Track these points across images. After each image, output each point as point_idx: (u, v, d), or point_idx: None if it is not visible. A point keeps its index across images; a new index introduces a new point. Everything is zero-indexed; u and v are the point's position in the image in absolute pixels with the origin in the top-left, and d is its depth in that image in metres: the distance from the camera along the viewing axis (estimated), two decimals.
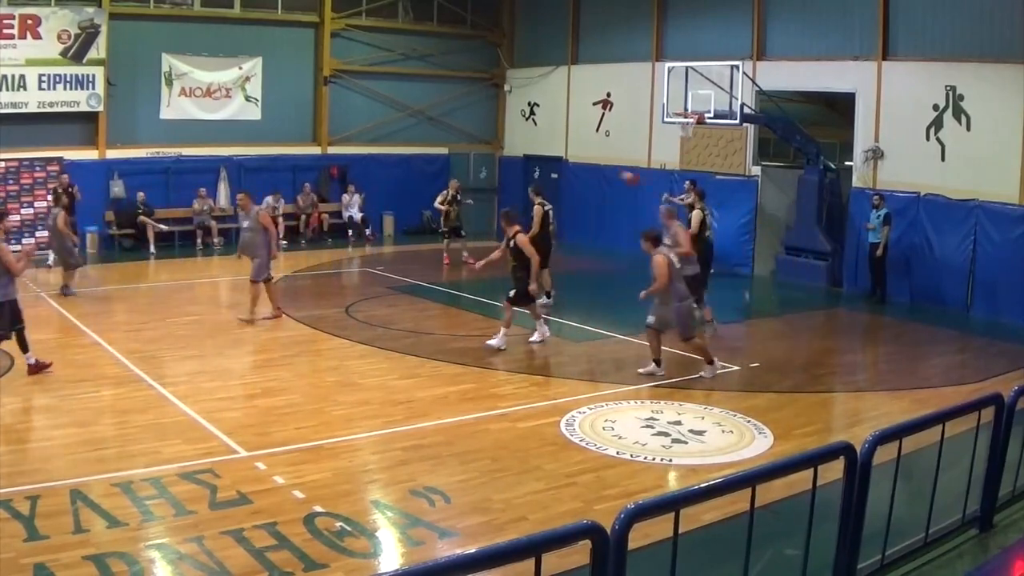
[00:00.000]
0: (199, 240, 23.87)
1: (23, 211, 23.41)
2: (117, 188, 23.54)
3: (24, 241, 23.14)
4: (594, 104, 25.78)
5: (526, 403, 10.51)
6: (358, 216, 25.63)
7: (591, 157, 24.97)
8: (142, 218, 23.22)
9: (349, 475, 8.14)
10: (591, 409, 10.31)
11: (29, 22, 22.89)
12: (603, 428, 9.68)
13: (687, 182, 19.06)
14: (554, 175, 26.00)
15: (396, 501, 7.54)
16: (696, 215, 15.63)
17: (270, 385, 11.02)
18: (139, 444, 8.74)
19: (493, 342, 13.06)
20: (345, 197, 25.71)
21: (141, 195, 23.45)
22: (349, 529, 7.04)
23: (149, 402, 10.06)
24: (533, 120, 27.95)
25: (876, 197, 18.21)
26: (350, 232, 25.67)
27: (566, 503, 7.63)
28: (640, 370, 11.94)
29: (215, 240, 23.96)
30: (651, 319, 11.67)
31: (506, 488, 7.87)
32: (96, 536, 6.75)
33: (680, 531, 3.76)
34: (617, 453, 8.94)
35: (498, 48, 28.33)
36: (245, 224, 14.85)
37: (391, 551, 6.98)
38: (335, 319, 15.13)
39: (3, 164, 23.07)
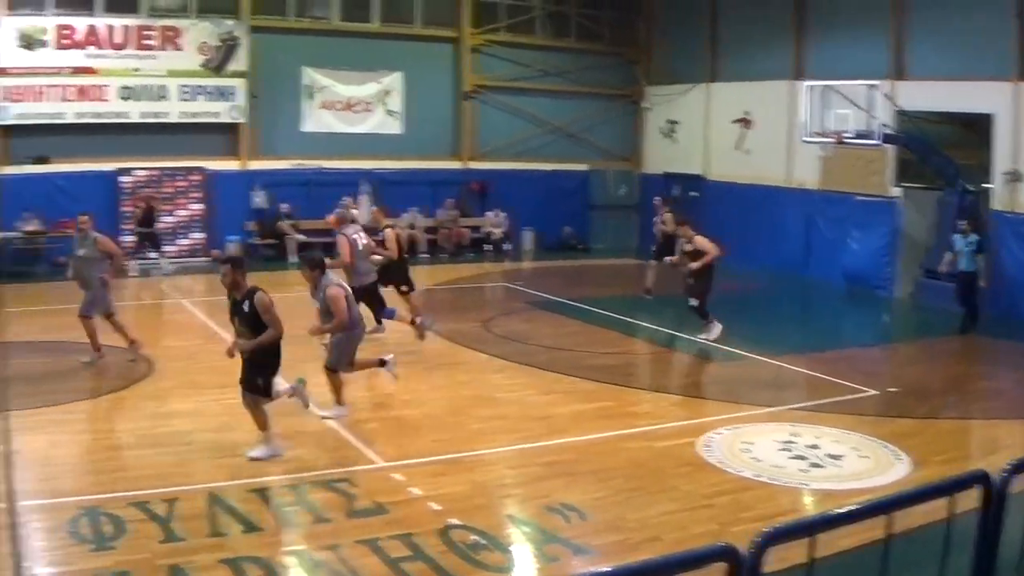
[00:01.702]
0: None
1: (165, 219, 24.02)
2: (259, 198, 24.10)
3: (167, 248, 23.81)
4: (733, 122, 25.01)
5: (663, 422, 10.52)
6: (499, 232, 25.45)
7: (730, 175, 24.33)
8: (280, 225, 23.57)
9: (485, 489, 8.25)
10: (729, 430, 10.21)
11: (170, 33, 24.06)
12: (740, 450, 9.61)
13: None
14: (693, 193, 25.39)
15: (531, 516, 7.61)
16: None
17: (408, 397, 11.21)
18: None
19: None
20: (490, 215, 25.57)
21: (285, 207, 23.86)
22: (484, 543, 7.13)
23: (288, 409, 10.16)
24: (673, 137, 27.24)
25: (964, 223, 16.96)
26: (489, 247, 25.85)
27: (701, 524, 7.58)
28: None
29: None
30: None
31: (641, 507, 7.88)
32: (232, 540, 6.95)
33: (815, 556, 3.67)
34: (754, 476, 8.83)
35: (636, 66, 27.90)
36: (81, 251, 13.10)
37: (525, 567, 7.12)
38: (473, 333, 15.29)
39: (145, 172, 23.84)
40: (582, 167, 26.86)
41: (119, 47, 23.96)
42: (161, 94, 24.21)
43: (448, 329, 15.46)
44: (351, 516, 7.40)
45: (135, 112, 24.18)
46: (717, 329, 14.20)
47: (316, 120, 25.28)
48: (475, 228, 26.15)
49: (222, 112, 24.48)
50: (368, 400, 11.14)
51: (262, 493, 7.78)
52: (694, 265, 14.30)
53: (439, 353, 13.53)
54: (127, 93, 24.07)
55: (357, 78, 25.44)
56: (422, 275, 20.68)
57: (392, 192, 25.05)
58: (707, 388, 12.38)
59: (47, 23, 23.62)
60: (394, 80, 25.73)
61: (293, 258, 23.57)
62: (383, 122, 25.79)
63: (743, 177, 23.90)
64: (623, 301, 17.70)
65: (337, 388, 10.33)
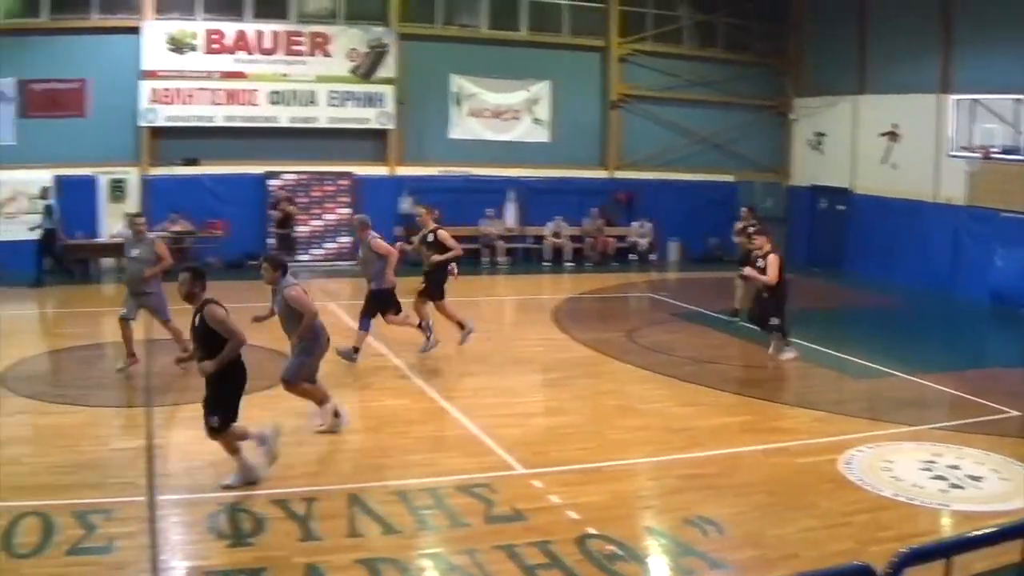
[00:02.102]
0: (485, 258, 23.24)
1: (313, 223, 23.53)
2: (406, 204, 23.50)
3: (312, 251, 23.35)
4: (880, 135, 24.21)
5: (805, 438, 10.32)
6: (644, 243, 24.65)
7: (877, 189, 23.83)
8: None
9: (624, 499, 8.25)
10: (870, 448, 10.00)
11: (318, 40, 23.89)
12: (881, 468, 9.44)
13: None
14: (840, 207, 24.69)
15: (669, 528, 7.56)
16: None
17: (551, 405, 11.31)
18: (419, 455, 9.04)
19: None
20: (635, 225, 24.80)
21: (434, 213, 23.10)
22: (621, 553, 7.09)
23: (431, 414, 10.42)
24: (820, 150, 26.41)
25: None
26: (634, 257, 25.30)
27: (840, 542, 7.48)
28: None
29: (501, 259, 23.37)
30: None
31: (780, 523, 7.80)
32: (370, 541, 7.00)
33: None
34: (894, 495, 8.65)
35: (783, 77, 27.26)
36: (135, 252, 12.61)
37: None
38: (617, 343, 15.18)
39: (295, 177, 23.47)
40: (729, 178, 26.13)
41: (268, 52, 23.82)
42: (310, 99, 23.98)
43: (593, 338, 15.35)
44: (489, 521, 7.42)
45: (284, 117, 23.97)
46: (792, 353, 13.53)
47: (464, 127, 24.85)
48: (621, 238, 25.34)
49: (371, 118, 24.19)
50: (511, 407, 11.09)
51: (402, 496, 7.83)
52: (760, 277, 13.37)
53: (584, 362, 13.63)
54: (276, 98, 23.88)
55: (505, 86, 25.05)
56: (567, 284, 20.78)
57: (538, 201, 24.54)
58: (849, 405, 11.96)
59: (197, 28, 23.65)
60: (541, 88, 25.33)
61: None
62: (530, 130, 25.29)
63: (889, 191, 23.31)
64: None
65: (312, 397, 9.76)
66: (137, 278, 12.34)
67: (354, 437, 9.59)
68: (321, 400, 9.70)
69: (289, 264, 9.97)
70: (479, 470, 8.54)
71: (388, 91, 24.20)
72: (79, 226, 23.22)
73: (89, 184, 23.37)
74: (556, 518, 7.54)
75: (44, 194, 22.07)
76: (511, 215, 24.72)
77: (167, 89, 23.53)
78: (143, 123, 23.51)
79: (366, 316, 13.02)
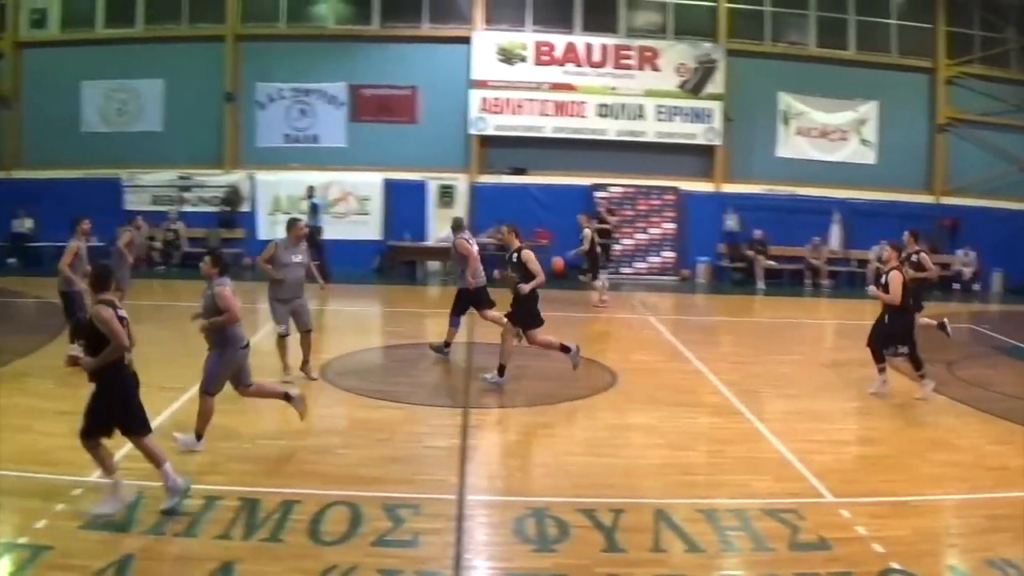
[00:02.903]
0: (807, 280, 22.40)
1: (637, 236, 22.94)
2: (731, 221, 23.02)
3: (635, 264, 22.87)
4: None
5: None
6: (968, 272, 23.44)
7: None
8: (750, 252, 22.31)
9: (929, 535, 7.81)
10: None
11: (647, 54, 23.55)
12: None
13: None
14: None
15: (971, 569, 7.08)
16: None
17: (864, 433, 10.89)
18: (729, 475, 8.83)
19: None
20: (959, 253, 23.64)
21: (758, 233, 22.55)
22: None
23: (743, 435, 10.18)
24: None
25: None
26: (957, 286, 23.86)
27: None
28: None
29: (824, 281, 22.51)
30: None
31: None
32: (673, 557, 6.87)
33: None
34: None
35: None
36: (297, 259, 11.89)
37: None
38: (937, 375, 13.64)
39: (621, 190, 23.03)
40: None
41: (597, 65, 23.66)
42: (638, 113, 23.64)
43: (910, 369, 13.94)
44: (793, 548, 7.13)
45: (612, 130, 23.72)
46: (930, 385, 12.02)
47: (791, 146, 24.21)
48: (944, 266, 23.95)
49: (698, 134, 23.70)
50: (824, 432, 10.60)
51: (708, 514, 7.60)
52: (883, 295, 11.79)
53: (900, 391, 12.65)
54: (604, 111, 23.65)
55: (832, 105, 24.40)
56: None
57: (862, 223, 23.67)
58: None
59: (527, 39, 23.62)
60: (869, 109, 24.60)
61: (761, 284, 22.94)
62: (856, 151, 24.51)
63: None
64: None
65: (203, 416, 8.90)
66: (297, 284, 11.71)
67: (665, 452, 9.41)
68: (204, 421, 8.90)
69: (229, 265, 9.19)
70: (788, 495, 8.25)
71: (716, 107, 23.72)
72: (407, 230, 23.11)
73: (418, 189, 23.35)
74: (861, 550, 7.20)
75: (310, 193, 22.23)
76: (835, 237, 23.75)
77: (496, 99, 23.47)
78: (473, 131, 23.47)
79: (455, 314, 13.18)
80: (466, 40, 23.72)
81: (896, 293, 11.52)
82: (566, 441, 9.84)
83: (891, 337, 11.95)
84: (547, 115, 23.74)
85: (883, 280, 11.82)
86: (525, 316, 11.62)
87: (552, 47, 23.81)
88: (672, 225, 23.62)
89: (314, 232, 21.10)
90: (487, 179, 23.48)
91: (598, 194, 23.36)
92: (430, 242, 23.26)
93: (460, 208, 23.24)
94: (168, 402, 10.60)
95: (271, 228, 22.94)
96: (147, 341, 12.27)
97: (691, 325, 18.00)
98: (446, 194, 23.39)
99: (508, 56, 23.67)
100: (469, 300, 13.28)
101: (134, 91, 23.90)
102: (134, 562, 6.56)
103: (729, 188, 23.88)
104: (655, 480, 8.56)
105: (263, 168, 23.46)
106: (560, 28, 23.94)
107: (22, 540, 6.90)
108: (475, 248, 13.57)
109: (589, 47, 23.86)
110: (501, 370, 11.60)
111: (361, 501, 7.61)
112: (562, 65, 23.84)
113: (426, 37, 23.99)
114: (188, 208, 23.48)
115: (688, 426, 10.41)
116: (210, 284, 8.87)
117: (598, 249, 19.08)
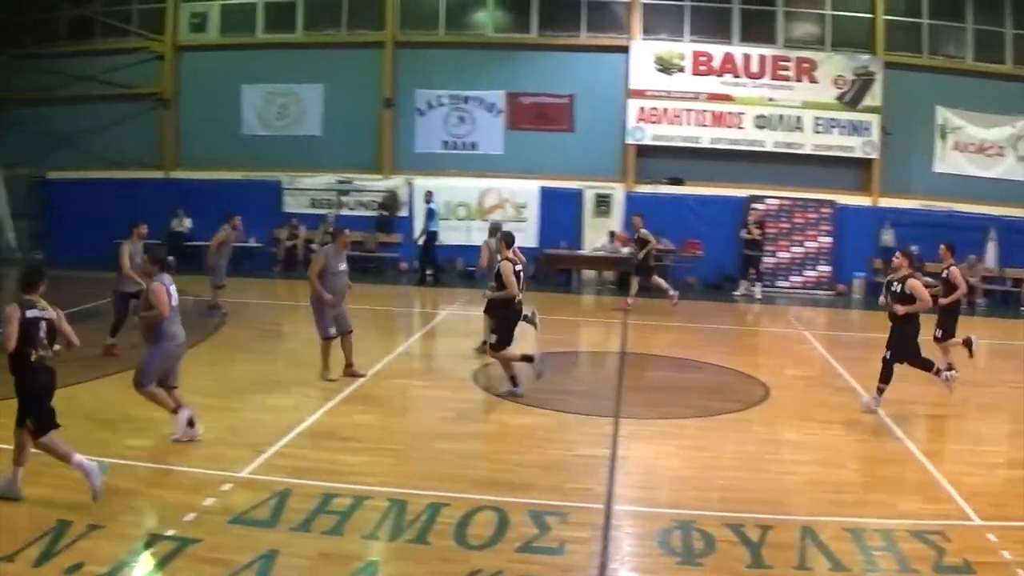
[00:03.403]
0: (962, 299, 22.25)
1: (792, 250, 22.82)
2: (887, 236, 22.91)
3: (791, 279, 22.78)
4: None
5: None
6: None
7: None
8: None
9: None
10: None
11: (805, 65, 23.61)
12: None
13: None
14: None
15: None
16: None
17: (1017, 455, 10.41)
18: (877, 494, 8.69)
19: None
20: None
21: (915, 249, 22.17)
22: None
23: (893, 454, 10.03)
24: None
25: None
26: None
27: None
28: None
29: (979, 300, 23.09)
30: None
31: None
32: None
33: None
34: None
35: None
36: (343, 267, 12.22)
37: None
38: None
39: (777, 202, 23.03)
40: None
41: (755, 76, 23.70)
42: (796, 125, 23.62)
43: None
44: (937, 571, 6.98)
45: (769, 142, 23.80)
46: (875, 404, 11.49)
47: (948, 161, 24.17)
48: None
49: (855, 147, 23.73)
50: (977, 454, 10.35)
51: (855, 533, 7.50)
52: (900, 308, 11.32)
53: None
54: (762, 122, 23.73)
55: (989, 120, 24.36)
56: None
57: (1018, 242, 23.36)
58: None
59: (684, 49, 23.81)
60: None
61: None
62: (1013, 168, 24.33)
63: None
64: None
65: (161, 403, 9.21)
66: (342, 291, 12.09)
67: (814, 469, 9.34)
68: (174, 409, 9.20)
69: (171, 263, 9.57)
70: (935, 516, 8.08)
71: (873, 120, 23.76)
72: (562, 237, 23.18)
73: (573, 197, 23.50)
74: (1004, 575, 7.02)
75: (428, 198, 22.70)
76: (991, 255, 23.47)
77: (654, 108, 23.63)
78: (630, 141, 23.67)
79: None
80: (623, 49, 23.89)
81: (926, 297, 11.21)
82: (716, 454, 9.85)
83: (903, 345, 11.47)
84: (704, 126, 23.90)
85: (896, 289, 11.45)
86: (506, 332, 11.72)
87: (710, 57, 23.89)
88: (828, 239, 23.68)
89: (430, 237, 21.34)
90: (644, 189, 23.46)
91: (755, 206, 23.29)
92: (585, 251, 23.25)
93: (616, 217, 23.32)
94: (321, 403, 11.06)
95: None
96: (304, 341, 13.59)
97: (845, 341, 17.98)
98: (602, 203, 23.55)
99: (665, 66, 23.79)
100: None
101: (294, 95, 24.34)
102: (278, 557, 6.69)
103: (885, 202, 23.91)
104: (803, 497, 8.53)
105: (421, 174, 23.75)
106: (718, 38, 24.12)
107: (171, 532, 7.06)
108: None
109: (747, 58, 23.90)
110: (513, 379, 11.61)
111: (508, 507, 7.70)
112: (720, 76, 23.95)
113: (584, 46, 24.20)
114: (346, 212, 23.62)
115: (838, 443, 10.37)
116: (150, 282, 9.25)
117: (652, 253, 19.77)
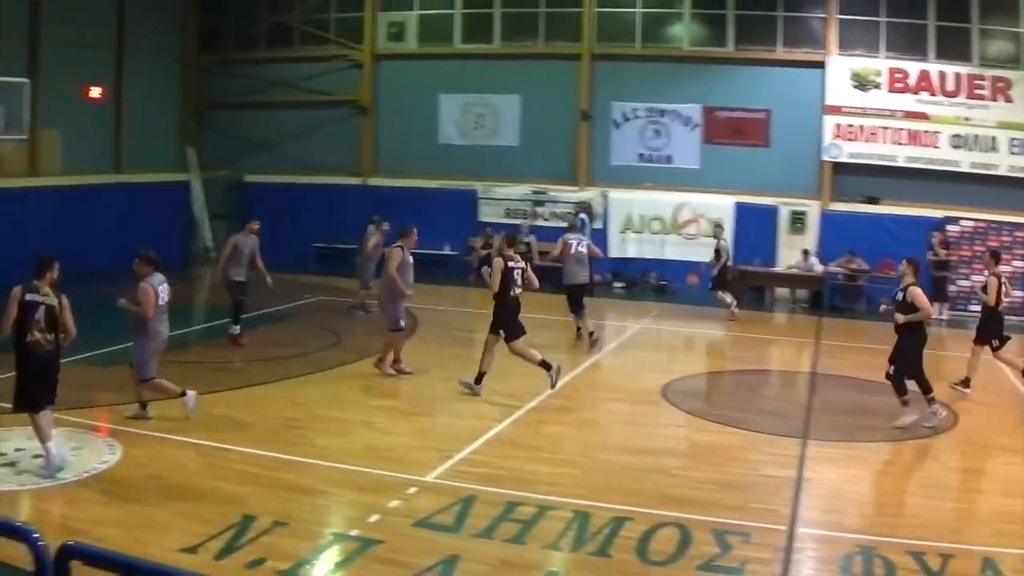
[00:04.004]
0: None
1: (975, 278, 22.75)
2: None
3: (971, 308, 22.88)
4: None
5: None
6: None
7: None
8: None
9: None
10: None
11: (1000, 84, 23.89)
12: None
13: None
14: None
15: None
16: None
17: None
18: None
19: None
20: None
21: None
22: None
23: None
24: None
25: None
26: None
27: None
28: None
29: None
30: None
31: None
32: None
33: None
34: None
35: None
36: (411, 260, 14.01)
37: None
38: None
39: (971, 224, 22.82)
40: None
41: (951, 95, 23.96)
42: (991, 146, 23.45)
43: None
44: None
45: (965, 162, 23.94)
46: (909, 418, 11.66)
47: None
48: None
49: None
50: None
51: None
52: (900, 316, 11.56)
53: None
54: (957, 142, 23.85)
55: None
56: None
57: None
58: None
59: (880, 65, 24.03)
60: None
61: None
62: None
63: None
64: None
65: (167, 391, 10.27)
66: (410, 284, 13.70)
67: (999, 500, 9.26)
68: (181, 392, 10.27)
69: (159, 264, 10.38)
70: None
71: None
72: (755, 254, 23.39)
73: (768, 213, 23.72)
74: None
75: (579, 209, 23.60)
76: None
77: (850, 125, 23.92)
78: (826, 158, 23.88)
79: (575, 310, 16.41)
80: (819, 65, 24.22)
81: (926, 306, 11.51)
82: (902, 480, 9.95)
83: (904, 357, 11.75)
84: (900, 144, 24.10)
85: (899, 298, 11.64)
86: (497, 323, 12.47)
87: (906, 74, 24.11)
88: (1022, 263, 23.34)
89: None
90: (839, 207, 23.61)
91: (950, 227, 23.45)
92: (779, 268, 23.41)
93: (810, 235, 23.48)
94: (509, 411, 11.53)
95: (621, 246, 23.48)
96: (496, 349, 13.82)
97: None
98: (797, 220, 23.84)
99: (862, 82, 23.97)
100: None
101: (491, 106, 24.86)
102: (459, 563, 6.88)
103: None
104: (986, 527, 8.46)
105: (616, 186, 24.11)
106: (914, 55, 24.06)
107: (354, 532, 7.33)
108: (573, 249, 16.47)
109: (943, 75, 24.08)
110: (478, 377, 12.38)
111: (691, 524, 7.80)
112: (915, 93, 24.19)
113: (780, 61, 24.54)
114: (540, 222, 23.94)
115: (1020, 474, 10.20)
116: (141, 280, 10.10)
117: (728, 263, 20.63)
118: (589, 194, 24.83)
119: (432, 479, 8.76)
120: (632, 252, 24.24)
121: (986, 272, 14.28)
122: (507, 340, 12.48)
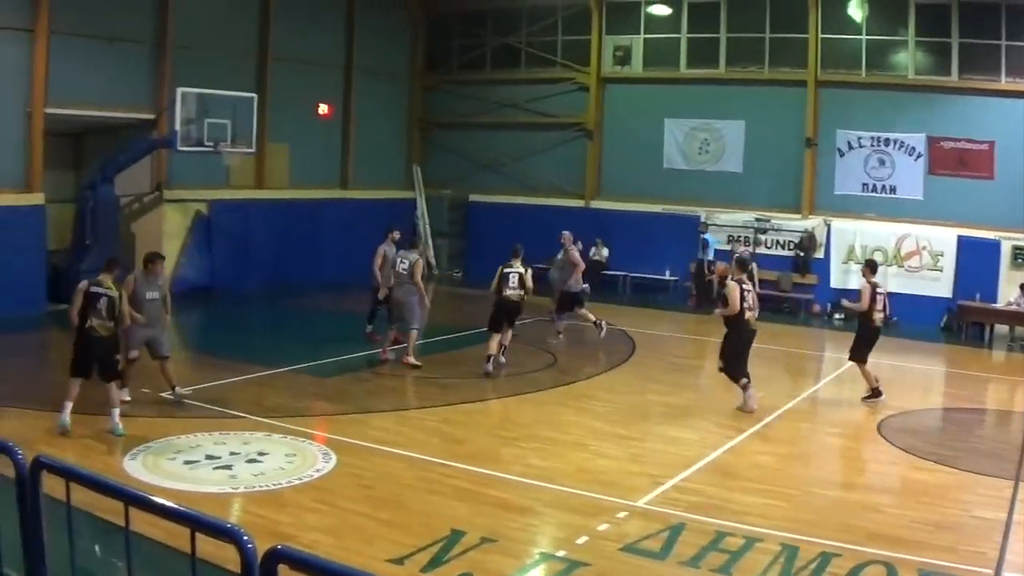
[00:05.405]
0: None
1: None
2: None
3: None
4: None
5: None
6: None
7: None
8: None
9: None
10: None
11: None
12: None
13: None
14: None
15: None
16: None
17: None
18: None
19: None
20: None
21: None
22: None
23: None
24: None
25: None
26: None
27: None
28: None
29: None
30: None
31: None
32: None
33: None
34: None
35: None
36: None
37: None
38: None
39: None
40: None
41: None
42: None
43: None
44: None
45: None
46: (753, 399, 13.21)
47: None
48: None
49: None
50: None
51: None
52: (717, 311, 13.58)
53: None
54: None
55: None
56: None
57: None
58: None
59: None
60: None
61: None
62: None
63: None
64: None
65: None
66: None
67: None
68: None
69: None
70: None
71: None
72: (977, 289, 23.71)
73: (990, 248, 24.07)
74: None
75: (704, 228, 25.06)
76: None
77: None
78: None
79: (559, 311, 18.52)
80: None
81: (735, 303, 12.96)
82: None
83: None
84: None
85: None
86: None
87: None
88: None
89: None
90: None
91: None
92: (999, 304, 23.74)
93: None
94: (724, 439, 11.83)
95: (843, 276, 24.12)
96: (712, 375, 14.50)
97: None
98: (1019, 255, 24.05)
99: None
100: (569, 298, 18.41)
101: (716, 131, 25.63)
102: None
103: None
104: None
105: (839, 215, 24.64)
106: None
107: (560, 553, 7.57)
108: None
109: None
110: (488, 359, 14.81)
111: (899, 563, 7.79)
112: None
113: (1004, 91, 24.55)
114: (762, 250, 24.54)
115: None
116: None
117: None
118: (812, 223, 25.69)
119: (642, 504, 8.97)
120: (854, 283, 24.91)
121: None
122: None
